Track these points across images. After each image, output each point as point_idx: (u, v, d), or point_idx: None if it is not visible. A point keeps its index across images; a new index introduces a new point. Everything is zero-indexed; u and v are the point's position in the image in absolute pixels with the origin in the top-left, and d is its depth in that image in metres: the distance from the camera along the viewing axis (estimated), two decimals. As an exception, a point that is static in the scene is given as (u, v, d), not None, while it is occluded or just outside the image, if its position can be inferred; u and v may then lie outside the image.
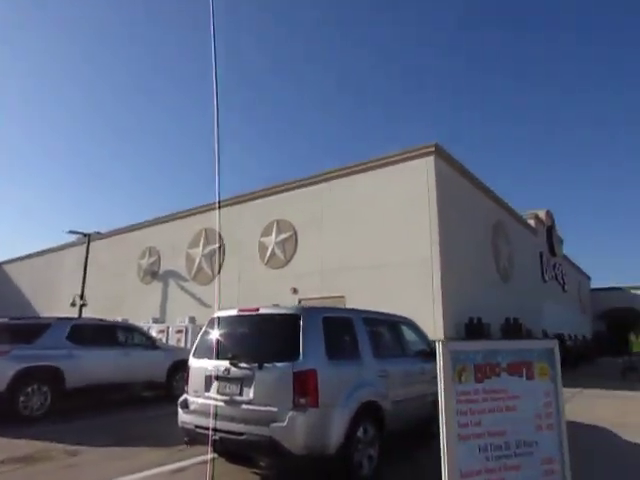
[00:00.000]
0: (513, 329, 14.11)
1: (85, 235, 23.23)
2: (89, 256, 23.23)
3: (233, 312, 5.17)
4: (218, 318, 5.23)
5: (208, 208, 19.56)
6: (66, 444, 6.32)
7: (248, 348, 4.75)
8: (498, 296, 17.02)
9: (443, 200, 13.58)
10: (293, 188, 16.65)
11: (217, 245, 18.53)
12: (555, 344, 2.74)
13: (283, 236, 16.42)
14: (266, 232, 16.96)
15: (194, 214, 20.15)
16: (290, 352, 4.38)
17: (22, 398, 7.92)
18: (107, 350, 9.25)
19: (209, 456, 4.97)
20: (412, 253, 13.34)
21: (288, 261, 16.21)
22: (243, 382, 4.51)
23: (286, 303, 14.87)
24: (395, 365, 5.42)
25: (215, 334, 5.12)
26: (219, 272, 18.31)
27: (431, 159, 13.59)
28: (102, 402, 9.46)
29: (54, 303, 25.44)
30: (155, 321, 18.91)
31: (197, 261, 19.24)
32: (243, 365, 4.53)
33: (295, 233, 16.18)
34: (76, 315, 21.24)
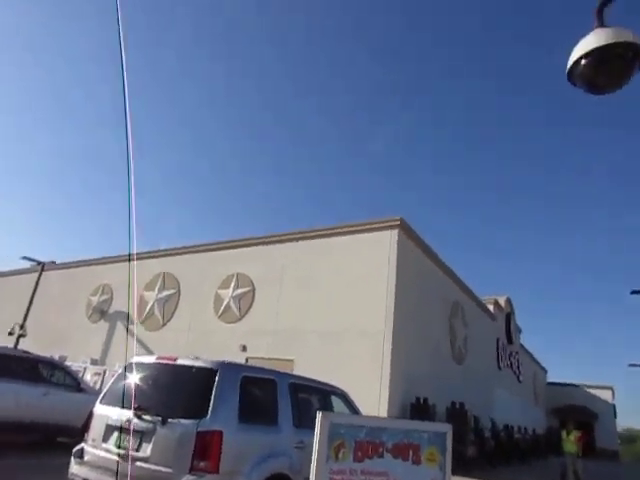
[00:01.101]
0: (458, 414, 13.77)
1: (39, 263, 22.34)
2: (39, 286, 22.23)
3: (152, 359, 4.90)
4: (134, 364, 4.93)
5: (171, 252, 19.26)
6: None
7: (157, 399, 4.44)
8: (450, 378, 16.78)
9: (402, 275, 13.66)
10: (256, 244, 16.56)
11: (172, 291, 18.04)
12: (448, 428, 2.60)
13: (240, 291, 16.11)
14: (224, 284, 16.63)
15: (156, 256, 19.72)
16: (198, 409, 4.10)
17: None
18: (23, 385, 8.58)
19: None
20: (365, 324, 13.19)
21: (242, 317, 15.79)
22: (143, 436, 4.17)
23: (233, 359, 14.33)
24: (316, 437, 5.12)
25: (127, 380, 4.79)
26: (163, 318, 17.68)
27: (395, 232, 13.80)
28: (12, 442, 8.65)
29: (-9, 330, 23.93)
30: (94, 362, 17.87)
31: (149, 305, 18.59)
32: (146, 417, 4.21)
33: (253, 289, 15.91)
34: (12, 345, 19.91)
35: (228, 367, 4.55)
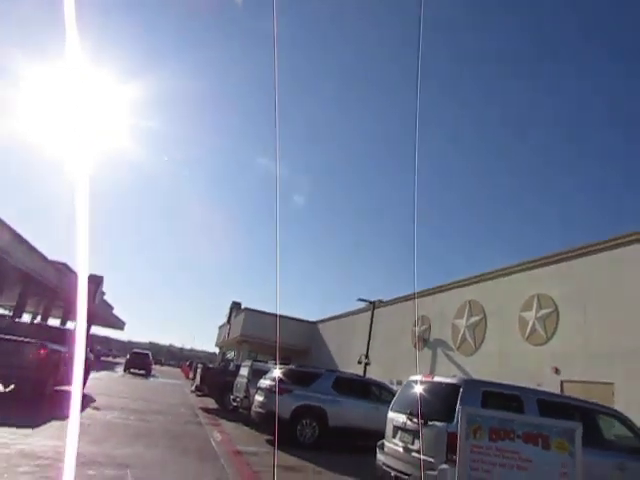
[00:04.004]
0: None
1: (371, 302, 27.18)
2: (374, 321, 26.95)
3: (419, 377, 6.42)
4: (409, 381, 6.56)
5: (473, 280, 20.48)
6: (317, 466, 8.48)
7: (422, 407, 5.88)
8: None
9: None
10: (552, 262, 16.07)
11: (478, 317, 19.10)
12: (577, 426, 3.05)
13: (543, 312, 15.84)
14: (526, 307, 16.67)
15: (461, 286, 21.32)
16: (447, 415, 5.33)
17: (299, 427, 10.68)
18: (361, 401, 11.38)
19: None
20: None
21: (549, 338, 15.45)
22: (414, 434, 5.67)
23: (545, 382, 14.18)
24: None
25: (404, 393, 6.45)
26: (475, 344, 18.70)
27: None
28: (356, 445, 11.47)
29: (347, 359, 30.01)
30: (422, 385, 20.38)
31: (461, 332, 20.10)
32: (415, 420, 5.71)
33: (556, 309, 15.42)
34: (361, 372, 24.75)
35: (469, 383, 5.63)
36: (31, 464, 5.64)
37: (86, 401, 12.55)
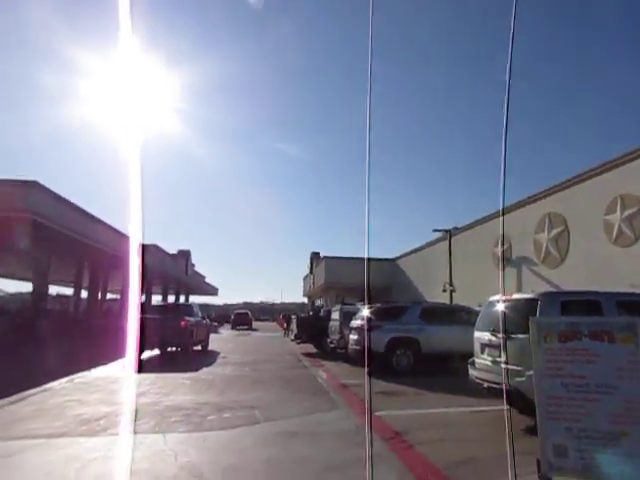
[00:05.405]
0: None
1: (446, 231, 27.15)
2: (452, 248, 27.04)
3: (498, 297, 6.84)
4: (490, 301, 7.01)
5: (549, 192, 19.83)
6: (416, 389, 9.32)
7: (506, 322, 6.36)
8: None
9: None
10: (631, 160, 15.16)
11: (560, 228, 18.66)
12: (638, 320, 3.36)
13: (629, 212, 15.18)
14: (609, 210, 16.02)
15: (537, 199, 20.74)
16: (528, 327, 5.76)
17: (394, 358, 11.56)
18: (448, 327, 11.98)
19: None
20: None
21: (638, 238, 14.90)
22: (500, 348, 6.19)
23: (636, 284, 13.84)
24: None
25: (486, 313, 6.93)
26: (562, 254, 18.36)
27: None
28: (450, 367, 12.19)
29: (432, 289, 30.52)
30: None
31: (544, 246, 19.76)
32: (499, 335, 6.21)
33: (644, 207, 14.74)
34: (447, 300, 25.29)
35: (547, 296, 5.98)
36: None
37: (214, 355, 16.59)
